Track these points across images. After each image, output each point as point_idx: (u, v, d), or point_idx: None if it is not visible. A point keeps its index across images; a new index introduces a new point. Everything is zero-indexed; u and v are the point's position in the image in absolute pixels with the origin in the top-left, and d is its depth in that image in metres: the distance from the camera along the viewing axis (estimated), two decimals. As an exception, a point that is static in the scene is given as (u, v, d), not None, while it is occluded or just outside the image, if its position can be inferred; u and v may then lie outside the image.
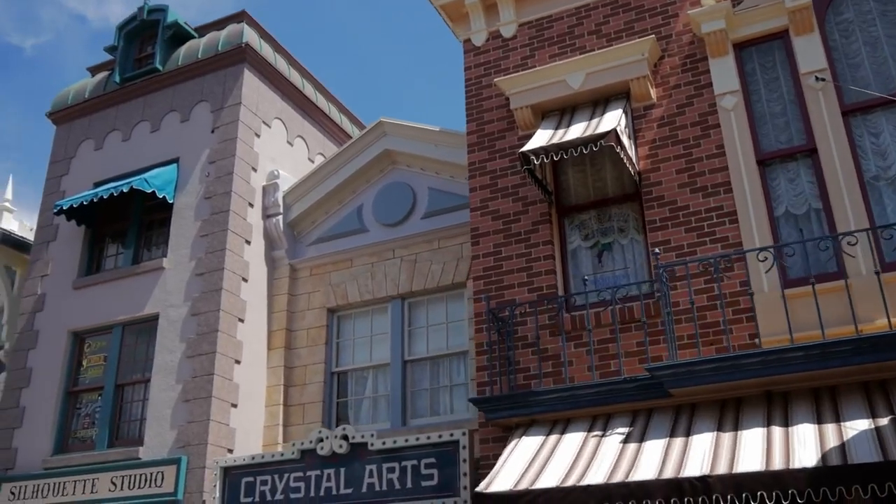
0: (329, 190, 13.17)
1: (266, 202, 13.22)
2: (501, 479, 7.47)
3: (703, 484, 6.44)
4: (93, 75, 15.51)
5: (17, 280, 16.08)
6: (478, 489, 7.41)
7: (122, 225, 13.65)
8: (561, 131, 9.48)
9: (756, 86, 9.44)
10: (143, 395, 12.26)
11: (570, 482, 7.01)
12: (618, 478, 6.85)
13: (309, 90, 15.01)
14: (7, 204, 16.43)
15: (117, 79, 14.37)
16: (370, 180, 13.15)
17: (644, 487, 6.63)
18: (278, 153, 13.88)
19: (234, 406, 11.72)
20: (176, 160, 13.35)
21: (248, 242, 12.72)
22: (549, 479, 7.18)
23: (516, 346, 9.28)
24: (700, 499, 6.41)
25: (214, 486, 10.66)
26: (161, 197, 12.86)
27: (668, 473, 6.74)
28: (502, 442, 8.90)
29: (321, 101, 15.38)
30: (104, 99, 14.55)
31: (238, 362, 11.96)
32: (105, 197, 12.82)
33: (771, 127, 9.22)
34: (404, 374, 11.85)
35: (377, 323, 12.43)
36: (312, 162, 14.79)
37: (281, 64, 14.32)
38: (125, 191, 12.69)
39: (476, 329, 9.64)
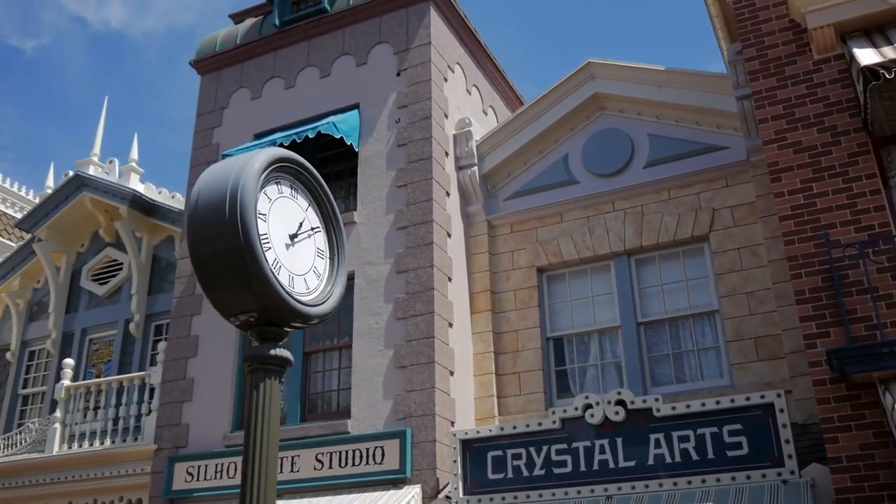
0: (528, 139, 11.87)
1: (458, 152, 11.89)
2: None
3: None
4: (235, 22, 14.18)
5: (144, 248, 14.66)
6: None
7: (292, 179, 12.26)
8: (888, 49, 8.21)
9: None
10: (339, 362, 10.90)
11: None
12: None
13: (481, 40, 13.71)
14: (133, 164, 15.02)
15: (276, 22, 13.02)
16: (575, 128, 11.84)
17: None
18: (461, 101, 12.56)
19: (452, 374, 10.37)
20: (356, 106, 12.01)
21: (448, 194, 11.39)
22: None
23: (850, 291, 7.96)
24: None
25: (455, 461, 9.29)
26: (348, 144, 11.54)
27: None
28: (849, 402, 7.57)
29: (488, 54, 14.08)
30: (259, 45, 13.20)
31: (451, 325, 10.62)
32: (286, 144, 11.46)
33: None
34: (639, 339, 10.54)
35: (597, 282, 11.10)
36: (486, 115, 13.47)
37: (460, 6, 13.02)
38: (310, 136, 11.36)
39: (793, 275, 8.31)
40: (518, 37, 36.89)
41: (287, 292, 2.91)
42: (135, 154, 15.15)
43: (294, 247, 3.24)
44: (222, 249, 2.70)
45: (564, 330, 11.06)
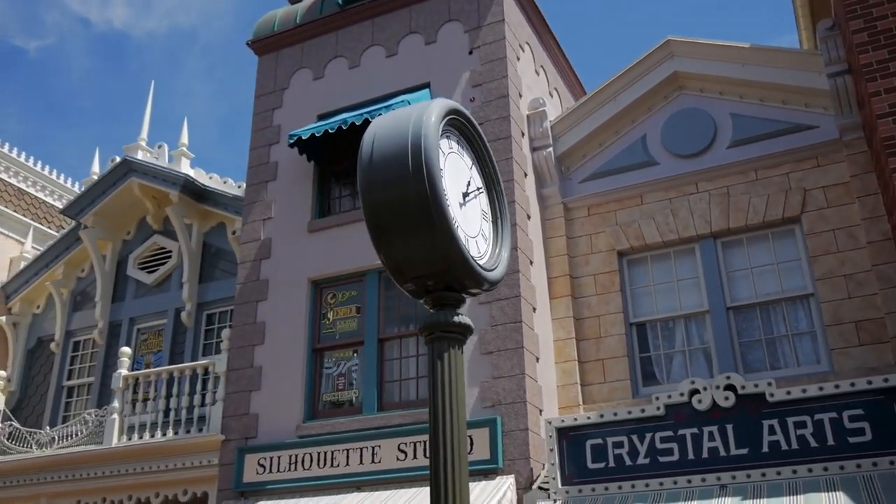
0: (604, 120, 11.49)
1: (532, 133, 11.50)
2: None
3: None
4: (291, 2, 13.79)
5: (194, 235, 14.27)
6: None
7: (356, 160, 11.87)
8: None
9: None
10: (416, 349, 10.51)
11: None
12: None
13: (546, 20, 13.32)
14: (184, 149, 14.62)
15: (339, 0, 12.63)
16: (652, 108, 11.46)
17: None
18: (531, 81, 12.18)
19: (538, 360, 10.00)
20: (426, 85, 11.63)
21: (526, 175, 11.01)
22: None
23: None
24: None
25: (551, 450, 8.90)
26: (419, 124, 11.13)
27: None
28: None
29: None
30: (321, 24, 12.81)
31: (534, 310, 10.24)
32: (358, 123, 11.09)
33: None
34: (729, 324, 10.16)
35: (681, 266, 10.72)
36: (552, 97, 13.09)
37: (527, -17, 12.64)
38: (384, 113, 10.92)
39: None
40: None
41: (468, 251, 2.64)
42: (185, 138, 14.76)
43: (465, 206, 2.94)
44: (404, 202, 2.45)
45: (648, 315, 10.68)
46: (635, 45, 39.09)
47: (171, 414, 11.62)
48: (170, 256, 14.64)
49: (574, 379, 10.44)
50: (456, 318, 2.59)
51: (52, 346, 15.14)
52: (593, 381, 10.44)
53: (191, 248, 14.18)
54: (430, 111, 2.70)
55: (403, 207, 2.44)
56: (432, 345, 2.67)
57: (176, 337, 14.03)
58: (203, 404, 11.63)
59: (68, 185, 17.93)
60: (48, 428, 12.98)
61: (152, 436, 11.61)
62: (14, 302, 15.75)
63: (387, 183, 2.48)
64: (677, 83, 11.35)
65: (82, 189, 15.15)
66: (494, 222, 3.18)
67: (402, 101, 10.92)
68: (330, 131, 11.22)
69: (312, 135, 11.32)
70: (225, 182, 14.24)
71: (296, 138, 11.41)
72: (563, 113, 11.68)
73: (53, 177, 17.62)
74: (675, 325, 10.55)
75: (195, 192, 14.17)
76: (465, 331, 2.65)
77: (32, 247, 16.26)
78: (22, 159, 17.02)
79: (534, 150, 11.46)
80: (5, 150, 16.73)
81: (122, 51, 41.36)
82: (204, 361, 11.78)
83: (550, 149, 11.42)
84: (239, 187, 13.96)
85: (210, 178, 14.36)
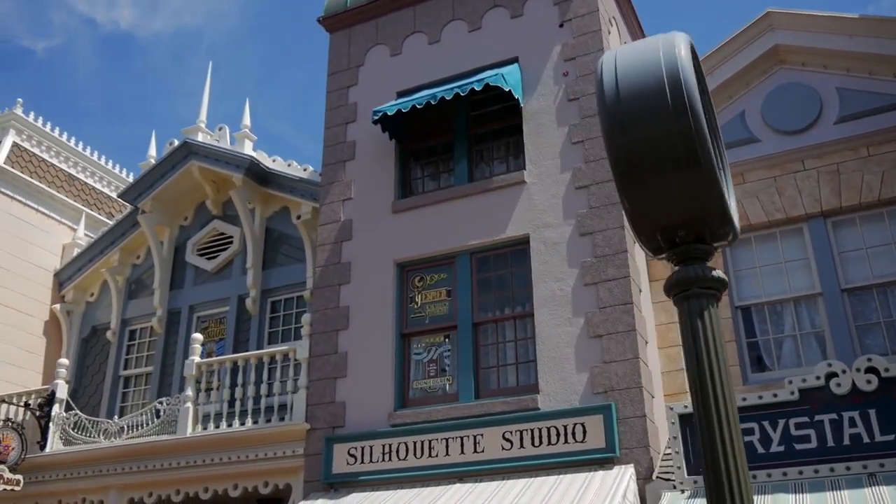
0: (700, 95, 10.97)
1: (625, 109, 11.00)
2: None
3: None
4: (362, -22, 13.29)
5: (257, 219, 13.80)
6: None
7: (441, 138, 11.43)
8: None
9: None
10: (514, 333, 10.04)
11: None
12: None
13: (626, -8, 12.83)
14: (247, 130, 14.14)
15: (416, -27, 12.16)
16: (751, 83, 10.98)
17: None
18: (620, 57, 11.66)
19: (647, 343, 9.53)
20: (514, 60, 11.15)
21: (624, 153, 10.51)
22: None
23: None
24: None
25: (675, 437, 8.43)
26: (507, 101, 10.73)
27: None
28: None
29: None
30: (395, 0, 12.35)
31: (640, 290, 9.77)
32: (448, 98, 10.62)
33: None
34: (844, 306, 9.67)
35: (789, 246, 10.24)
36: (635, 74, 12.58)
37: (612, -45, 12.14)
38: (477, 88, 10.50)
39: None
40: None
41: (727, 196, 2.33)
42: (247, 120, 14.28)
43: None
44: (665, 140, 2.13)
45: (754, 298, 10.20)
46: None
47: (250, 402, 11.15)
48: (230, 242, 14.18)
49: (679, 365, 9.97)
50: (714, 273, 2.26)
51: (108, 334, 14.69)
52: (700, 367, 9.94)
53: (255, 233, 13.71)
54: (678, 43, 2.35)
55: (663, 146, 2.14)
56: (687, 303, 2.29)
57: (240, 325, 13.57)
58: (284, 392, 11.17)
59: (115, 170, 17.45)
60: (116, 417, 12.53)
61: (229, 425, 11.16)
62: (67, 290, 15.31)
63: (642, 120, 2.18)
64: (777, 57, 10.87)
65: (139, 174, 14.66)
66: (721, 170, 2.79)
67: (497, 76, 10.44)
68: (418, 106, 10.75)
69: (398, 111, 10.85)
70: (289, 165, 13.77)
71: (380, 114, 10.93)
72: (657, 88, 11.17)
73: (102, 162, 17.14)
74: (784, 308, 10.07)
75: (259, 176, 13.71)
76: (723, 286, 2.31)
77: (85, 233, 15.80)
78: (72, 143, 16.55)
79: (628, 127, 10.96)
80: (55, 133, 16.27)
81: (128, 51, 41.09)
82: (283, 347, 11.31)
83: (645, 126, 10.92)
84: (304, 170, 13.50)
85: (273, 160, 13.88)
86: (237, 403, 11.21)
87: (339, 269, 11.13)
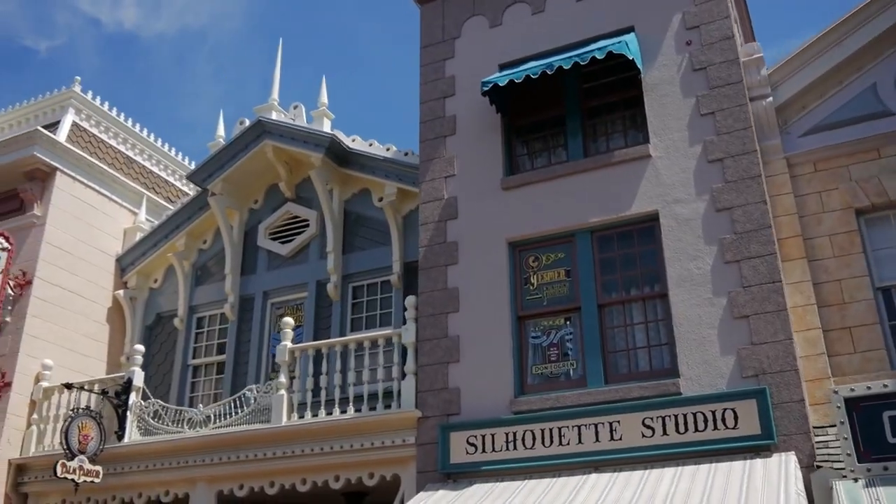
0: (827, 68, 10.41)
1: (748, 81, 10.44)
2: None
3: None
4: (451, -52, 12.70)
5: (336, 201, 13.19)
6: None
7: (550, 112, 10.85)
8: None
9: None
10: (643, 315, 9.46)
11: None
12: None
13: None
14: (325, 108, 13.53)
15: (516, -60, 11.57)
16: (881, 54, 10.39)
17: None
18: (735, 31, 11.10)
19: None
20: (630, 29, 10.57)
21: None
22: None
23: None
24: None
25: (842, 422, 7.86)
26: (627, 71, 10.20)
27: None
28: None
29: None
30: (493, -33, 11.74)
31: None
32: (567, 67, 10.04)
33: None
34: None
35: (931, 226, 9.66)
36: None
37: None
38: (598, 56, 9.92)
39: None
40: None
41: None
42: (324, 97, 13.68)
43: None
44: None
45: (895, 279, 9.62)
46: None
47: (350, 389, 10.55)
48: (306, 226, 13.58)
49: (820, 349, 9.36)
50: None
51: (176, 322, 14.07)
52: (841, 352, 9.36)
53: (334, 215, 13.11)
54: None
55: None
56: None
57: (319, 311, 12.96)
58: (388, 379, 10.57)
59: (172, 153, 16.82)
60: (201, 406, 11.91)
61: (329, 413, 10.56)
62: (130, 275, 14.69)
63: None
64: (910, 26, 10.30)
65: (207, 154, 14.04)
66: None
67: (620, 43, 9.87)
68: (532, 77, 10.17)
69: (510, 81, 10.26)
70: (370, 144, 13.17)
71: (490, 85, 10.35)
72: (781, 60, 10.61)
73: (158, 144, 16.51)
74: (929, 289, 9.49)
75: (338, 156, 13.11)
76: None
77: (146, 218, 15.18)
78: (129, 125, 15.92)
79: (751, 99, 10.39)
80: (113, 113, 15.63)
81: (131, 51, 40.52)
82: (386, 331, 10.71)
83: (770, 98, 10.36)
84: (387, 150, 12.91)
85: (352, 140, 13.27)
86: (336, 391, 10.61)
87: (445, 249, 10.54)
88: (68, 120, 14.76)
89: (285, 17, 40.17)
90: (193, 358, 13.93)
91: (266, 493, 10.67)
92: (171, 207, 15.79)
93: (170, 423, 11.73)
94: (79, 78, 15.17)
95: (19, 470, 12.33)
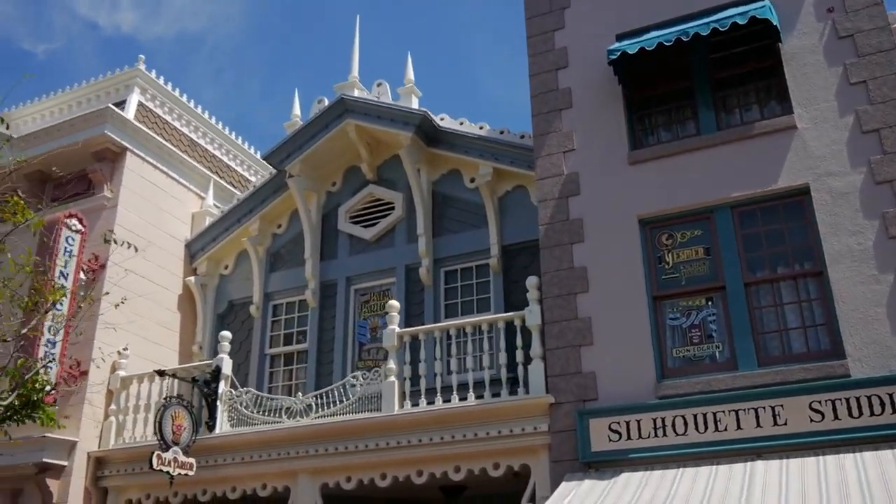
0: (968, 36, 9.93)
1: (887, 51, 9.94)
2: None
3: None
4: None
5: (424, 182, 12.61)
6: None
7: (676, 83, 10.31)
8: None
9: None
10: (796, 293, 8.93)
11: None
12: None
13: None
14: (412, 85, 12.95)
15: None
16: None
17: None
18: (863, -2, 10.59)
19: (961, 304, 8.43)
20: (760, -4, 10.05)
21: None
22: None
23: None
24: None
25: None
26: (764, 39, 9.67)
27: None
28: None
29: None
30: (604, -66, 11.20)
31: (946, 246, 8.68)
32: (703, 34, 9.53)
33: None
34: None
35: None
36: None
37: None
38: (740, 22, 9.40)
39: None
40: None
41: None
42: (410, 74, 13.10)
43: None
44: None
45: None
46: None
47: (470, 375, 9.99)
48: (390, 208, 13.01)
49: (981, 330, 8.87)
50: None
51: (252, 309, 13.45)
52: None
53: (424, 197, 12.53)
54: None
55: None
56: None
57: (410, 297, 12.39)
58: (511, 363, 9.98)
59: (232, 136, 16.17)
60: (299, 394, 11.27)
61: (447, 400, 9.96)
62: (200, 261, 14.06)
63: None
64: None
65: (285, 135, 13.42)
66: None
67: (764, 7, 9.35)
68: (666, 44, 9.64)
69: (641, 49, 9.71)
70: (461, 123, 12.60)
71: (618, 54, 9.80)
72: (919, 29, 10.12)
73: (219, 126, 15.87)
74: None
75: (427, 135, 12.55)
76: None
77: (213, 203, 14.55)
78: (192, 106, 15.27)
79: None
80: (176, 93, 14.99)
81: (129, 55, 39.87)
82: (507, 314, 10.14)
83: (912, 68, 9.86)
84: (480, 128, 12.35)
85: (441, 119, 12.70)
86: (454, 377, 10.03)
87: (568, 227, 9.98)
88: (134, 100, 14.10)
89: (284, 19, 39.59)
90: (271, 347, 13.30)
91: (377, 485, 10.06)
92: (237, 192, 15.20)
93: (265, 413, 11.10)
94: (143, 56, 14.52)
95: (98, 463, 11.67)
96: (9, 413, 8.36)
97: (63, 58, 38.67)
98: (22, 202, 8.76)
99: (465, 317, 11.58)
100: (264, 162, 16.57)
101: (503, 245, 11.94)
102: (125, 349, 12.22)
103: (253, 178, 16.42)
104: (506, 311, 11.07)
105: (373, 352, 12.50)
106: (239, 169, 16.34)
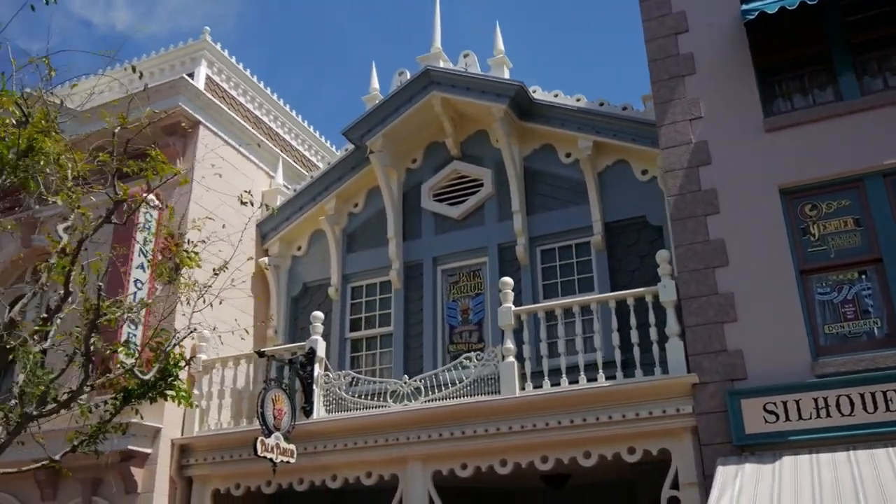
0: None
1: None
2: None
3: None
4: None
5: (516, 157, 12.02)
6: None
7: (809, 47, 9.77)
8: None
9: None
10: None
11: None
12: None
13: None
14: (502, 55, 12.35)
15: None
16: None
17: None
18: None
19: None
20: (902, -45, 9.52)
21: None
22: None
23: None
24: None
25: None
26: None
27: None
28: None
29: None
30: None
31: None
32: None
33: None
34: None
35: None
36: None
37: None
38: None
39: None
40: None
41: None
42: (500, 44, 12.51)
43: None
44: None
45: None
46: None
47: (600, 355, 9.42)
48: (479, 185, 12.43)
49: None
50: None
51: (330, 291, 12.82)
52: None
53: (518, 173, 11.95)
54: None
55: None
56: None
57: (504, 277, 11.77)
58: (644, 341, 9.41)
59: (293, 114, 15.51)
60: (407, 377, 10.65)
61: (574, 381, 9.38)
62: (272, 242, 13.42)
63: None
64: None
65: (365, 110, 12.79)
66: None
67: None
68: (809, 3, 9.08)
69: (781, 8, 9.16)
70: (556, 95, 12.03)
71: (756, 14, 9.24)
72: None
73: (281, 102, 15.21)
74: None
75: (520, 107, 11.97)
76: None
77: (283, 184, 13.90)
78: (256, 81, 14.60)
79: None
80: (240, 66, 14.30)
81: (123, 54, 39.13)
82: (637, 290, 9.58)
83: None
84: (577, 100, 11.79)
85: (533, 91, 12.10)
86: (581, 357, 9.46)
87: (701, 198, 9.41)
88: (202, 73, 13.43)
89: (279, 18, 38.87)
90: (352, 331, 12.68)
91: (497, 472, 9.47)
92: (305, 172, 14.56)
93: (361, 397, 10.48)
94: (208, 28, 13.82)
95: (182, 451, 11.02)
96: (145, 389, 7.70)
97: (57, 56, 38.04)
98: (162, 156, 8.13)
99: (582, 294, 10.96)
100: (324, 143, 16.06)
101: (606, 222, 11.38)
102: (205, 332, 11.54)
103: (314, 159, 15.78)
104: (612, 291, 10.51)
105: (465, 335, 11.90)
106: (300, 148, 15.68)
